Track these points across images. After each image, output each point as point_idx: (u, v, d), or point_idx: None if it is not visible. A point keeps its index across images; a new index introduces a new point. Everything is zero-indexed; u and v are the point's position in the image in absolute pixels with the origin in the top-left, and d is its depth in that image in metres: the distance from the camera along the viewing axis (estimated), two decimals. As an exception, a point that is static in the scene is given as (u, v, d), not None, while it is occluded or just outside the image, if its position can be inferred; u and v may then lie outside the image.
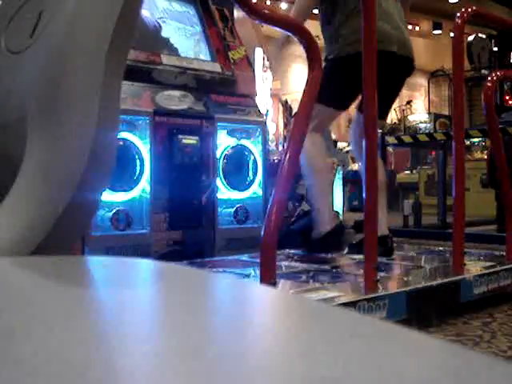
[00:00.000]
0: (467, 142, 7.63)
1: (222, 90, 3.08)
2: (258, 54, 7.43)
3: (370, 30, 2.01)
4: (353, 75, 2.71)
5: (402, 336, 0.32)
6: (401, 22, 2.80)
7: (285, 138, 8.85)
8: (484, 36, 9.11)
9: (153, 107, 2.72)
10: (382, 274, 2.24)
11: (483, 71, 9.38)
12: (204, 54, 3.17)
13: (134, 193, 2.63)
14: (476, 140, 8.32)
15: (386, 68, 2.06)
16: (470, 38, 8.76)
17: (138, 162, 2.63)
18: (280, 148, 8.42)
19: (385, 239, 2.70)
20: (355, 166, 9.30)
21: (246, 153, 3.08)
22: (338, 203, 5.74)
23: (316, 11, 2.88)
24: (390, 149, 7.12)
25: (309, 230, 2.76)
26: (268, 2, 11.52)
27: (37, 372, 0.24)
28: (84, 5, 0.71)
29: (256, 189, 3.11)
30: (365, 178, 2.02)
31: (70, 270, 0.51)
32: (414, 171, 10.03)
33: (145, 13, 3.05)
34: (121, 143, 2.51)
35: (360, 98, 2.82)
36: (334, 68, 2.64)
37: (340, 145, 12.47)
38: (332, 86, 2.47)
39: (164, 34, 3.13)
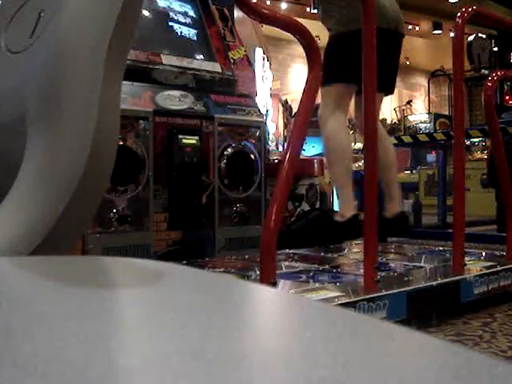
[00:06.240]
0: (467, 142, 7.63)
1: (222, 90, 3.08)
2: (258, 53, 7.43)
3: (370, 27, 2.01)
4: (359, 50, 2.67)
5: (401, 336, 0.32)
6: None
7: (285, 138, 8.86)
8: (484, 36, 9.11)
9: (153, 107, 2.72)
10: (381, 273, 2.24)
11: (483, 71, 9.38)
12: (204, 54, 3.17)
13: (134, 193, 2.63)
14: (476, 140, 8.32)
15: (381, 45, 2.01)
16: (470, 37, 8.75)
17: (137, 161, 2.63)
18: (280, 148, 8.42)
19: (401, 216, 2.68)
20: (355, 166, 9.31)
21: (246, 153, 3.08)
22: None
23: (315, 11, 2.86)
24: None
25: (325, 227, 2.69)
26: (268, 2, 11.51)
27: (37, 372, 0.24)
28: (84, 4, 0.71)
29: (256, 189, 3.11)
30: (365, 176, 2.02)
31: (70, 270, 0.51)
32: (414, 171, 10.02)
33: (145, 13, 3.05)
34: (121, 143, 2.51)
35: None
36: (340, 44, 2.57)
37: (340, 145, 12.45)
38: (342, 62, 2.41)
39: (164, 33, 3.13)
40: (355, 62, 2.53)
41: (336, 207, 5.23)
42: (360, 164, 8.20)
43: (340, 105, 2.65)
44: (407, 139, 5.08)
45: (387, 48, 2.01)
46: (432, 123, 9.70)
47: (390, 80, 2.74)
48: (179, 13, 3.24)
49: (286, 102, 9.70)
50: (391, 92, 2.91)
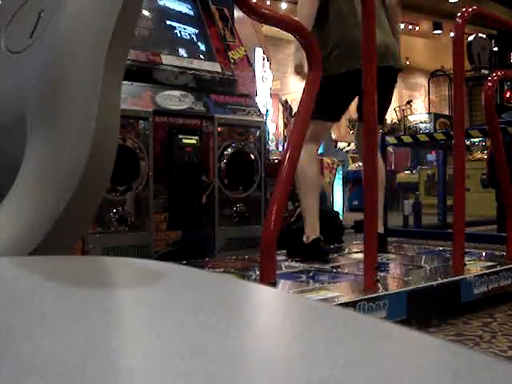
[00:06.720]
0: (467, 142, 7.63)
1: (222, 90, 3.08)
2: (258, 53, 7.42)
3: (370, 44, 2.01)
4: (345, 91, 2.75)
5: (401, 336, 0.32)
6: (383, 29, 2.79)
7: (285, 137, 8.86)
8: (484, 36, 9.12)
9: (153, 107, 2.72)
10: (382, 273, 2.24)
11: (483, 71, 9.38)
12: (204, 54, 3.17)
13: (135, 193, 2.63)
14: (476, 140, 8.31)
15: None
16: (470, 37, 8.76)
17: (137, 161, 2.63)
18: (280, 148, 8.42)
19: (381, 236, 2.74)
20: (355, 166, 9.31)
21: (246, 153, 3.08)
22: (338, 203, 5.74)
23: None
24: (390, 149, 7.13)
25: (325, 227, 2.82)
26: (268, 2, 11.52)
27: (37, 372, 0.24)
28: (84, 4, 0.71)
29: (256, 189, 3.11)
30: (364, 178, 2.03)
31: (70, 270, 0.51)
32: (414, 171, 10.02)
33: (145, 13, 3.05)
34: (121, 143, 2.51)
35: (357, 107, 2.88)
36: (326, 86, 2.65)
37: (340, 145, 12.48)
38: (324, 102, 2.50)
39: (164, 33, 3.13)
40: (334, 103, 2.77)
41: (336, 208, 5.24)
42: (359, 164, 8.21)
43: (315, 138, 2.79)
44: (407, 139, 5.07)
45: (380, 84, 2.08)
46: (432, 123, 9.70)
47: (382, 112, 2.89)
48: (179, 13, 3.24)
49: (286, 101, 9.70)
50: (381, 122, 3.07)
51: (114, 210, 2.55)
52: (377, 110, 2.04)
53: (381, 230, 2.79)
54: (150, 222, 2.68)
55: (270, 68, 8.09)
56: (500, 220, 4.48)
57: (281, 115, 9.52)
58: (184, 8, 3.28)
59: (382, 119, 3.04)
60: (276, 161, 3.91)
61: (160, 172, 2.72)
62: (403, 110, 13.90)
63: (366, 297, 1.86)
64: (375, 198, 2.02)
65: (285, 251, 2.87)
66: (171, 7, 3.22)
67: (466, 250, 2.51)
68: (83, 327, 0.30)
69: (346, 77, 2.68)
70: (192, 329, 0.31)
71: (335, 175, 5.72)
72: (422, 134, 6.06)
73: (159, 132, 2.74)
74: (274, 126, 9.20)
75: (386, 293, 1.94)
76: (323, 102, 2.52)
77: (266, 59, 7.73)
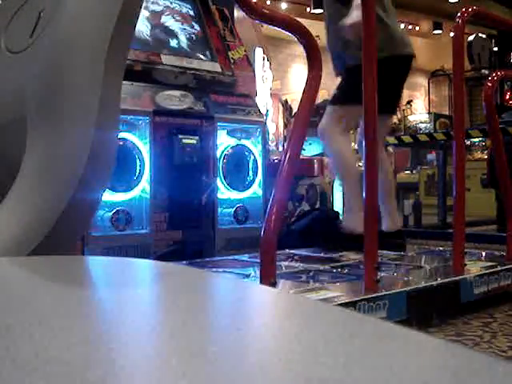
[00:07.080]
0: (467, 142, 7.63)
1: (221, 90, 3.08)
2: (258, 54, 7.42)
3: (370, 43, 2.01)
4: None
5: (402, 336, 0.32)
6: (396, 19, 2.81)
7: (285, 138, 8.85)
8: (484, 36, 9.12)
9: (153, 107, 2.71)
10: (382, 273, 2.24)
11: (483, 71, 9.39)
12: (204, 54, 3.17)
13: (134, 193, 2.63)
14: (476, 140, 8.32)
15: (399, 70, 2.10)
16: (470, 37, 8.76)
17: (137, 161, 2.63)
18: (280, 148, 8.41)
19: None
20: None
21: (246, 153, 3.08)
22: (338, 203, 5.74)
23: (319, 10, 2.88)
24: (390, 149, 7.13)
25: (326, 227, 2.79)
26: (268, 2, 11.51)
27: (37, 372, 0.24)
28: (84, 5, 0.71)
29: (256, 189, 3.11)
30: (365, 178, 2.02)
31: (70, 270, 0.51)
32: (414, 171, 10.02)
33: (144, 13, 3.05)
34: (121, 143, 2.51)
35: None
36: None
37: (340, 145, 12.45)
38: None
39: (164, 33, 3.13)
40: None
41: (336, 208, 5.24)
42: (359, 164, 8.18)
43: (350, 124, 2.82)
44: (407, 139, 5.08)
45: (400, 73, 2.05)
46: (432, 123, 9.70)
47: (395, 101, 2.89)
48: (179, 13, 3.24)
49: (286, 101, 9.69)
50: (394, 112, 3.10)
51: (114, 210, 2.55)
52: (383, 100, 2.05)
53: (396, 226, 2.82)
54: (150, 221, 2.68)
55: (270, 68, 8.08)
56: (500, 220, 4.48)
57: (281, 115, 9.50)
58: (184, 8, 3.28)
59: (391, 108, 2.98)
60: (276, 161, 3.91)
61: (160, 172, 2.72)
62: (403, 109, 13.90)
63: (366, 297, 1.86)
64: (375, 198, 2.02)
65: (285, 251, 2.87)
66: (171, 7, 3.22)
67: (466, 250, 2.51)
68: (83, 327, 0.30)
69: (387, 62, 2.66)
70: (192, 329, 0.31)
71: (335, 175, 5.71)
72: (422, 134, 6.07)
73: (159, 132, 2.74)
74: (274, 125, 9.18)
75: (386, 293, 1.94)
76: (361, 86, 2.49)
77: (265, 59, 7.72)
